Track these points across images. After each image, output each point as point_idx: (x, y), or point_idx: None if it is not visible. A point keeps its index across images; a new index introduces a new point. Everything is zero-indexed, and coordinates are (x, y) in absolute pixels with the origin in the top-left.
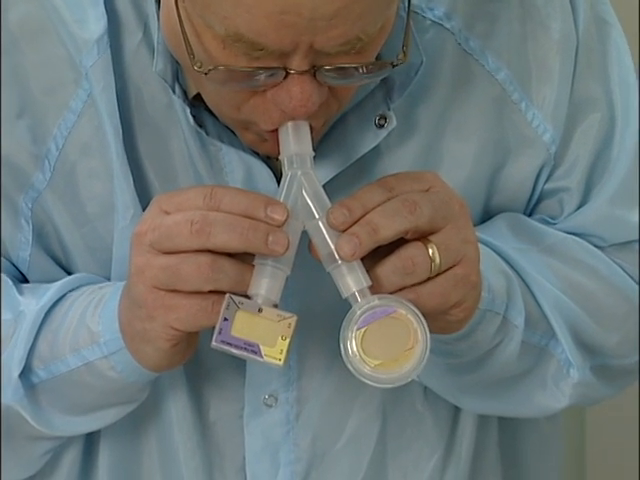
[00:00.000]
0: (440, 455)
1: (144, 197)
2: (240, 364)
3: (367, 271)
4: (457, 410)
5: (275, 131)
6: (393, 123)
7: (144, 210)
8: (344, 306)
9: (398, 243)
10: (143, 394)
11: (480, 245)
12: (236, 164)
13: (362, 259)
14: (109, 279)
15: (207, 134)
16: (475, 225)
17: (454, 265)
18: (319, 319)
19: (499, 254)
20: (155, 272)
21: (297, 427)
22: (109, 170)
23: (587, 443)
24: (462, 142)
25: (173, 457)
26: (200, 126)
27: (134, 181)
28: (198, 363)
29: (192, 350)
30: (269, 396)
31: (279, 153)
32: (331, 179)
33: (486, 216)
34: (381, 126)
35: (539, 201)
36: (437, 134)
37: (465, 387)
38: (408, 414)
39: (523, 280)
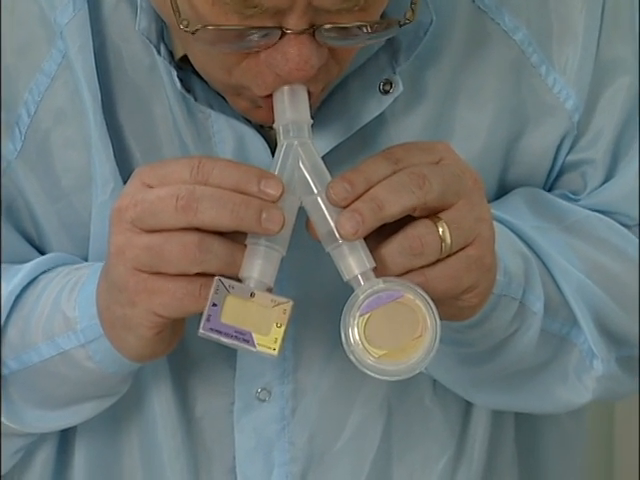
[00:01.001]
0: (450, 455)
1: (125, 169)
2: (230, 354)
3: (371, 252)
4: (469, 406)
5: (269, 97)
6: (399, 89)
7: (125, 183)
8: (345, 290)
9: (405, 221)
10: (123, 387)
11: (495, 223)
12: (226, 133)
13: (365, 238)
14: (86, 259)
15: (195, 100)
16: (490, 201)
17: (466, 245)
18: (318, 304)
19: (516, 233)
20: (137, 252)
21: (293, 424)
22: (86, 139)
23: (616, 442)
24: (476, 110)
25: (156, 456)
26: (187, 91)
27: (114, 151)
28: (184, 353)
29: (177, 338)
30: (262, 389)
31: (274, 121)
32: (331, 150)
33: (502, 191)
34: (386, 92)
35: (560, 175)
36: (448, 101)
37: (478, 380)
38: (415, 410)
39: (542, 262)
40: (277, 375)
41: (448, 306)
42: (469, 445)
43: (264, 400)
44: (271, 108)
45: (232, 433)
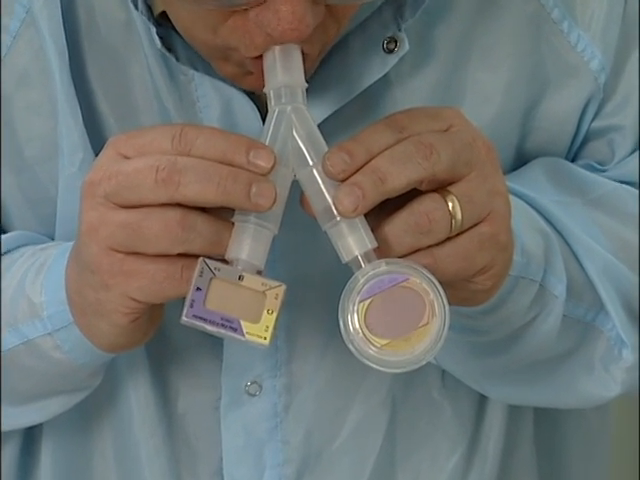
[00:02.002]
0: (462, 454)
1: (96, 137)
2: (216, 344)
3: (372, 230)
4: (483, 399)
5: (259, 58)
6: (405, 47)
7: (97, 154)
8: (344, 273)
9: (410, 196)
10: (95, 380)
11: (511, 197)
12: (211, 97)
13: (366, 215)
14: (53, 238)
15: (176, 60)
16: (505, 173)
17: (479, 222)
18: (313, 289)
19: (535, 208)
20: (112, 230)
21: (286, 421)
22: (52, 104)
23: None
24: (489, 71)
25: (133, 458)
26: (168, 50)
27: (83, 117)
28: (164, 342)
29: (156, 326)
30: (252, 383)
31: (265, 86)
32: (329, 117)
33: (519, 161)
34: (390, 51)
35: (585, 143)
36: (459, 61)
37: (493, 371)
38: (422, 404)
39: (565, 240)
40: (268, 367)
41: (459, 290)
42: (483, 442)
43: (254, 394)
44: (261, 72)
45: (218, 431)
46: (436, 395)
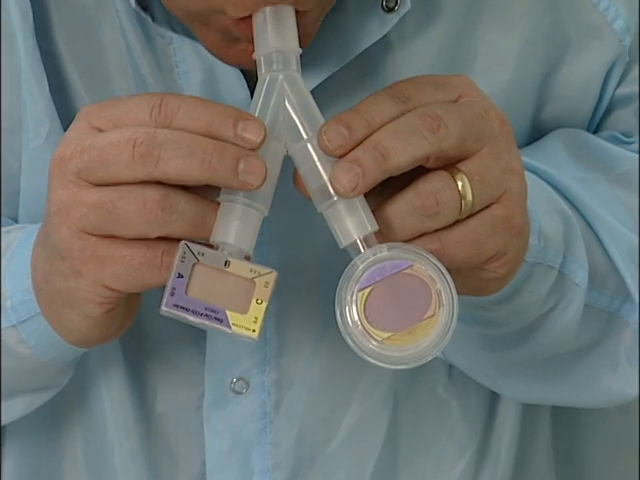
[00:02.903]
0: (471, 457)
1: (65, 108)
2: (198, 336)
3: (373, 212)
4: (494, 397)
5: (247, 21)
6: (407, 5)
7: (65, 126)
8: (341, 258)
9: (416, 174)
10: (64, 377)
11: (527, 174)
12: (192, 62)
13: (366, 195)
14: (16, 220)
15: (153, 20)
16: (521, 147)
17: (492, 203)
18: (306, 275)
19: (554, 186)
20: (84, 211)
21: (276, 421)
22: (15, 71)
23: None
24: (502, 32)
25: (106, 463)
26: (144, 9)
27: (50, 86)
28: (141, 335)
29: (132, 317)
30: (238, 379)
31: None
32: (323, 83)
33: (536, 134)
34: (390, 9)
35: (608, 112)
36: (468, 20)
37: (506, 367)
38: (427, 402)
39: (587, 221)
40: (256, 361)
41: (469, 278)
42: (494, 444)
43: (240, 392)
44: (249, 38)
45: (201, 433)
46: (442, 392)
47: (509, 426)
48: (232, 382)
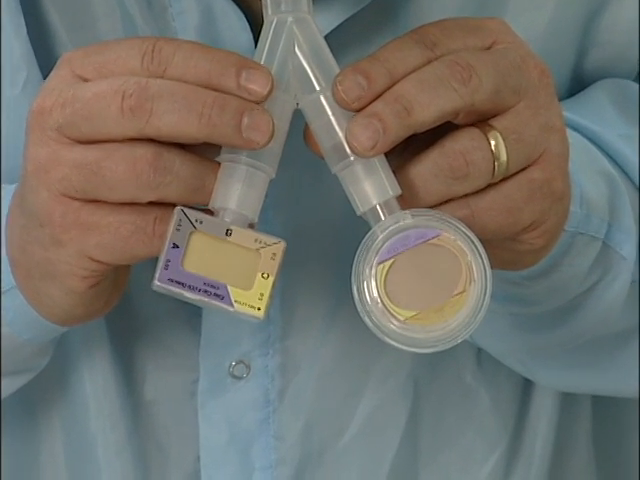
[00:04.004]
0: (501, 454)
1: (44, 53)
2: (193, 314)
3: (395, 174)
4: (528, 386)
5: None
6: None
7: (45, 74)
8: (358, 227)
9: (443, 131)
10: (42, 360)
11: (568, 132)
12: (188, 1)
13: (387, 155)
14: None
15: None
16: (561, 100)
17: (529, 165)
18: (317, 247)
19: (598, 145)
20: (66, 172)
21: (281, 411)
22: None
23: None
24: None
25: (88, 456)
26: None
27: (28, 28)
28: (129, 313)
29: (120, 293)
30: (237, 362)
31: None
32: (339, 27)
33: (578, 85)
34: None
35: None
36: None
37: (541, 350)
38: (453, 392)
39: (635, 185)
40: (259, 343)
41: (502, 250)
42: (528, 439)
43: (240, 377)
44: None
45: (195, 424)
46: (470, 380)
47: (544, 419)
48: (231, 366)
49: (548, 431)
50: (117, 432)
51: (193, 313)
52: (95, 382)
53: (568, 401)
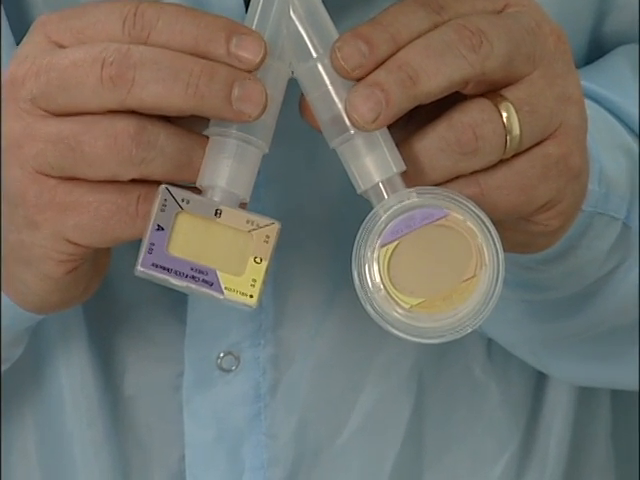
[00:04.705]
0: (513, 453)
1: (17, 17)
2: (178, 301)
3: (399, 148)
4: (542, 380)
5: None
6: None
7: (18, 40)
8: (359, 206)
9: (451, 102)
10: (15, 351)
11: (587, 102)
12: None
13: (390, 128)
14: None
15: None
16: (578, 67)
17: (544, 139)
18: (313, 227)
19: (618, 116)
20: (40, 147)
21: (273, 406)
22: None
23: None
24: None
25: (63, 455)
26: None
27: None
28: (108, 300)
29: (100, 279)
30: (226, 354)
31: None
32: None
33: (596, 51)
34: None
35: None
36: None
37: (556, 341)
38: (461, 386)
39: None
40: (249, 332)
41: (514, 231)
42: (542, 437)
43: (229, 370)
44: None
45: (180, 420)
46: (479, 373)
47: (560, 416)
48: (219, 357)
49: (563, 429)
50: (95, 429)
51: (178, 301)
52: (72, 375)
53: (585, 396)
